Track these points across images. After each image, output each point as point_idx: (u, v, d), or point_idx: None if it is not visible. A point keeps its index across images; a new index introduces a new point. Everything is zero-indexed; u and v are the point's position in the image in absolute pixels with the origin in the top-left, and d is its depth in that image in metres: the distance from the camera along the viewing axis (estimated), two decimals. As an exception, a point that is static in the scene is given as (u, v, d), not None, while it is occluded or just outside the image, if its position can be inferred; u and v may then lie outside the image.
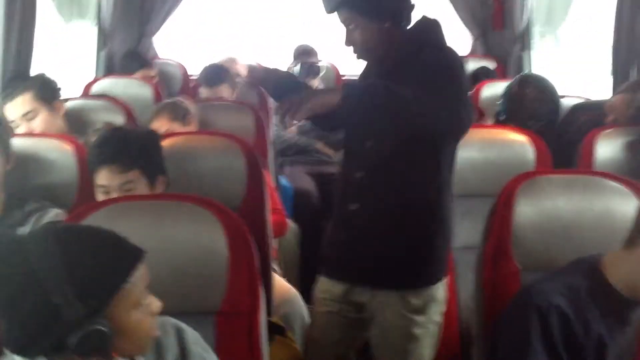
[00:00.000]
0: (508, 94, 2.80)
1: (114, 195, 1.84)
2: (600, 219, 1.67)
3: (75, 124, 2.76)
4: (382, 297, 1.94)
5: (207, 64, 3.79)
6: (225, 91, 3.59)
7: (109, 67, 4.30)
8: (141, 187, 1.88)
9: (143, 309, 1.18)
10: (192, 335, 1.34)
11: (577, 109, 2.89)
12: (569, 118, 2.80)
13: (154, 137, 2.05)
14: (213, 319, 1.47)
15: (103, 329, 1.10)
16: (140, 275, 1.17)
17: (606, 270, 1.46)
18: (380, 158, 1.90)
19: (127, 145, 1.90)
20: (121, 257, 1.16)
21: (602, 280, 1.45)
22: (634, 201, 1.68)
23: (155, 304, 1.21)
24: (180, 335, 1.33)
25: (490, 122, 3.08)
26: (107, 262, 1.14)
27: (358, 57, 1.94)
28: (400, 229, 1.90)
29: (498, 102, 2.90)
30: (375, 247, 1.91)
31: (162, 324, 1.32)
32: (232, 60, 4.33)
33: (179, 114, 2.67)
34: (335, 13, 1.89)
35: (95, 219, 1.50)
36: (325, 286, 2.04)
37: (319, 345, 2.09)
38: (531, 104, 2.72)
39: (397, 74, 1.79)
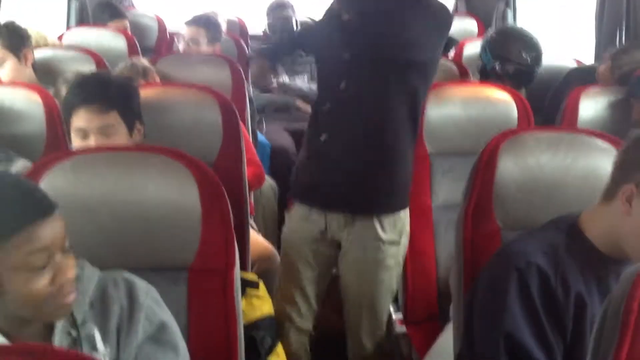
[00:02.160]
0: (489, 41, 2.89)
1: (92, 140, 1.78)
2: (585, 177, 1.63)
3: (45, 74, 2.67)
4: (358, 227, 2.06)
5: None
6: (201, 37, 3.50)
7: (82, 18, 4.17)
8: (120, 132, 1.84)
9: (41, 271, 1.13)
10: (143, 288, 1.29)
11: (572, 73, 2.89)
12: (565, 82, 2.79)
13: (133, 84, 2.00)
14: (185, 274, 1.43)
15: None
16: (31, 236, 1.11)
17: (584, 227, 1.43)
18: (350, 91, 2.00)
19: (107, 86, 1.86)
20: (9, 212, 1.12)
21: (581, 236, 1.43)
22: (617, 159, 1.65)
23: (68, 270, 1.15)
24: (129, 288, 1.28)
25: (474, 79, 3.05)
26: None
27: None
28: (368, 156, 2.02)
29: (479, 55, 2.92)
30: (346, 174, 2.03)
31: (114, 277, 1.29)
32: (214, 14, 4.22)
33: (138, 70, 2.57)
34: None
35: (61, 170, 1.43)
36: (301, 223, 2.11)
37: (291, 279, 2.16)
38: (515, 45, 2.80)
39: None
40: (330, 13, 2.08)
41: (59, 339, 1.21)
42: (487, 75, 2.87)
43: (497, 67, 2.83)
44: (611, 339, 0.96)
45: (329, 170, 2.05)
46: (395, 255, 2.10)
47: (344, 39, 1.97)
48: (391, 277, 2.12)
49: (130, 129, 1.87)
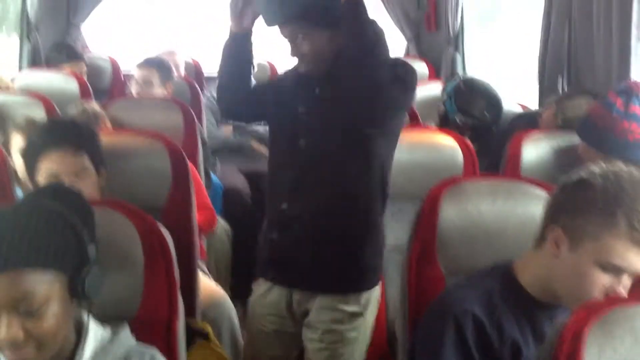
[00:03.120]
0: (455, 91, 2.99)
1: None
2: (523, 225, 1.68)
3: (-7, 119, 2.64)
4: (322, 302, 1.95)
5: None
6: (154, 78, 3.51)
7: (34, 59, 4.15)
8: (91, 175, 1.85)
9: None
10: None
11: (517, 118, 2.99)
12: (510, 127, 2.88)
13: (95, 128, 2.03)
14: (130, 326, 1.41)
15: None
16: None
17: (518, 273, 1.47)
18: (312, 157, 1.90)
19: (77, 129, 1.88)
20: None
21: (514, 282, 1.46)
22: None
23: (2, 329, 1.15)
24: None
25: (427, 122, 3.13)
26: None
27: (306, 68, 1.88)
28: (333, 231, 1.92)
29: (443, 101, 3.01)
30: (310, 249, 1.92)
31: (142, 352, 1.31)
32: (172, 53, 4.25)
33: (88, 114, 2.57)
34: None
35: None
36: (265, 298, 2.02)
37: (256, 351, 2.08)
38: (479, 102, 2.94)
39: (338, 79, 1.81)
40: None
41: None
42: (447, 123, 2.97)
43: (458, 119, 2.93)
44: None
45: (291, 245, 1.95)
46: (359, 327, 1.99)
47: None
48: (354, 350, 2.01)
49: (98, 172, 1.90)
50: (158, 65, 3.56)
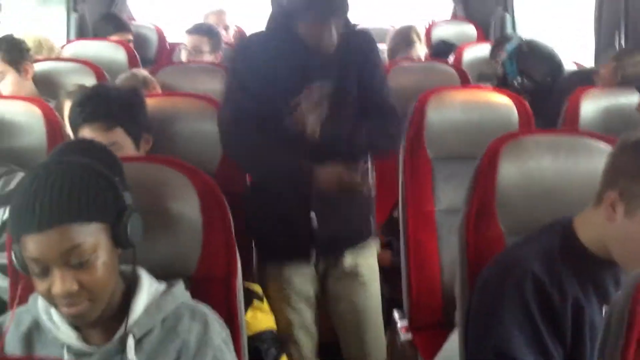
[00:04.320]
0: (517, 53, 2.91)
1: None
2: (586, 180, 1.62)
3: (46, 86, 2.68)
4: (332, 262, 2.10)
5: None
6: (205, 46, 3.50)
7: (81, 30, 4.18)
8: (126, 147, 1.86)
9: (40, 277, 1.19)
10: (218, 330, 1.32)
11: (572, 76, 2.90)
12: (566, 85, 2.81)
13: (138, 95, 2.01)
14: (187, 283, 1.42)
15: None
16: (25, 245, 1.17)
17: (578, 230, 1.43)
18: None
19: (109, 103, 1.87)
20: (16, 216, 1.19)
21: (574, 240, 1.42)
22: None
23: (56, 284, 1.17)
24: (205, 325, 1.30)
25: (486, 84, 3.06)
26: None
27: (330, 49, 1.97)
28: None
29: (501, 61, 2.95)
30: (325, 215, 2.02)
31: (192, 309, 1.32)
32: (221, 12, 4.24)
33: (138, 80, 2.58)
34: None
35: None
36: (293, 279, 2.09)
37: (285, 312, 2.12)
38: (543, 65, 2.86)
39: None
40: None
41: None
42: (505, 85, 2.89)
43: (518, 81, 2.85)
44: (616, 344, 0.95)
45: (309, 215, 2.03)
46: (368, 271, 2.16)
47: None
48: (375, 290, 2.18)
49: (137, 142, 1.90)
50: (208, 33, 3.55)
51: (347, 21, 2.04)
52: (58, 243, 1.15)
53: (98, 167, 1.24)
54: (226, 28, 4.15)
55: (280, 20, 2.01)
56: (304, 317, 2.11)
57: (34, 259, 1.16)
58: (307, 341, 2.13)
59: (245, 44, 2.16)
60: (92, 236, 1.18)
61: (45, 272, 1.17)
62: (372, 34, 2.15)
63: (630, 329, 0.93)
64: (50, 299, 1.20)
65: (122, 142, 1.85)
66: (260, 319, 1.91)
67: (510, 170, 1.63)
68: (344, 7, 1.99)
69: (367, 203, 2.14)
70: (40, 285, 1.19)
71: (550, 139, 1.72)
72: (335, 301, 2.16)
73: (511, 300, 1.37)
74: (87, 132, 1.84)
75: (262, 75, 1.97)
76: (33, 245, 1.15)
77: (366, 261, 2.15)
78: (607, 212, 1.35)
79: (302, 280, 2.09)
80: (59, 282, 1.16)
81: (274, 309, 2.03)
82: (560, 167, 1.64)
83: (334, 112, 1.95)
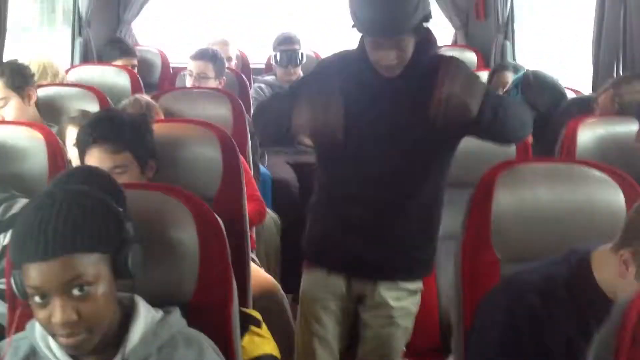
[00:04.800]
0: (523, 82, 2.96)
1: None
2: (582, 209, 1.64)
3: (49, 112, 2.71)
4: (381, 288, 1.99)
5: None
6: (209, 72, 3.52)
7: (86, 55, 4.23)
8: (133, 172, 1.88)
9: (40, 305, 1.20)
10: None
11: (571, 104, 2.93)
12: (564, 112, 2.83)
13: (146, 121, 2.03)
14: (184, 309, 1.43)
15: None
16: (26, 273, 1.18)
17: (595, 265, 1.41)
18: (379, 161, 1.89)
19: (120, 127, 1.89)
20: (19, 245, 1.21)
21: (587, 275, 1.40)
22: (616, 190, 1.65)
23: (56, 313, 1.18)
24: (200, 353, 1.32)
25: None
26: None
27: (393, 73, 1.85)
28: (406, 224, 1.95)
29: (505, 90, 3.05)
30: (380, 241, 1.94)
31: (188, 337, 1.33)
32: (225, 43, 4.28)
33: (141, 105, 2.61)
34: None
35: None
36: (325, 281, 2.02)
37: (312, 333, 2.07)
38: (548, 97, 2.89)
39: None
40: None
41: None
42: None
43: None
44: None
45: (356, 232, 1.95)
46: (409, 313, 2.05)
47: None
48: (403, 335, 2.07)
49: (143, 167, 1.92)
50: (213, 59, 3.56)
51: (427, 44, 1.88)
52: (60, 272, 1.16)
53: (102, 197, 1.26)
54: (229, 59, 4.17)
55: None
56: (326, 328, 2.05)
57: (35, 287, 1.17)
58: (324, 355, 2.06)
59: (325, 58, 2.10)
60: (94, 267, 1.20)
61: (46, 300, 1.18)
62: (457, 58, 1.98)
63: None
64: (49, 327, 1.21)
65: (129, 166, 1.87)
66: (257, 343, 1.91)
67: (506, 198, 1.65)
68: (408, 22, 1.77)
69: (414, 240, 2.00)
70: (40, 313, 1.20)
71: (545, 168, 1.74)
72: (362, 326, 2.08)
73: (501, 325, 1.38)
74: (95, 153, 1.85)
75: (322, 87, 1.85)
76: (35, 273, 1.17)
77: (402, 303, 2.03)
78: (620, 268, 1.34)
79: (331, 290, 2.02)
80: (59, 312, 1.17)
81: (301, 322, 2.06)
82: (556, 195, 1.66)
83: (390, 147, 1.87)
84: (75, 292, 1.18)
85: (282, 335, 2.38)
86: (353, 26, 1.84)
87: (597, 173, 1.69)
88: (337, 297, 2.03)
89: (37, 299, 1.19)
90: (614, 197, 1.65)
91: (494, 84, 3.50)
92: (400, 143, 1.87)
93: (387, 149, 1.88)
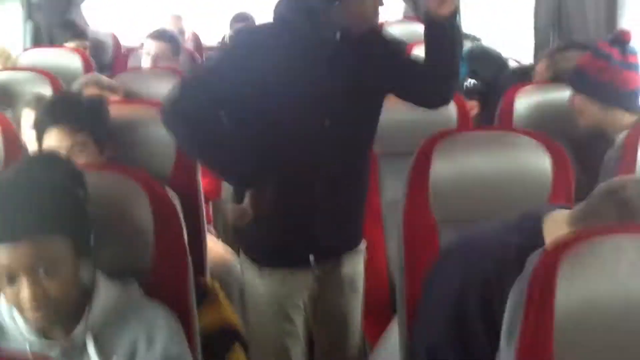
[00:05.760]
0: (468, 56, 2.99)
1: None
2: (513, 173, 1.76)
3: (1, 96, 2.72)
4: (345, 259, 2.06)
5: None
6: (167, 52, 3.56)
7: (37, 38, 4.22)
8: (90, 151, 1.93)
9: (9, 284, 1.27)
10: (163, 325, 1.41)
11: (511, 73, 3.04)
12: (505, 82, 2.94)
13: (103, 102, 2.09)
14: (143, 282, 1.51)
15: None
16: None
17: (545, 232, 1.42)
18: (336, 134, 1.90)
19: (77, 106, 1.96)
20: None
21: (538, 240, 1.40)
22: (545, 156, 1.77)
23: (23, 290, 1.26)
24: (150, 321, 1.40)
25: None
26: None
27: (354, 30, 1.87)
28: (346, 193, 1.98)
29: None
30: (328, 217, 1.95)
31: (137, 303, 1.43)
32: (178, 18, 4.31)
33: (103, 85, 2.65)
34: None
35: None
36: (286, 279, 2.01)
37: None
38: (491, 67, 2.97)
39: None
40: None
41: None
42: None
43: (468, 83, 2.98)
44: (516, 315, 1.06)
45: (312, 219, 1.94)
46: (359, 288, 2.12)
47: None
48: (361, 294, 2.14)
49: (101, 147, 1.97)
50: (170, 39, 3.60)
51: None
52: (27, 253, 1.24)
53: (64, 181, 1.35)
54: (182, 32, 4.22)
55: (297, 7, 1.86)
56: (296, 325, 2.07)
57: (3, 266, 1.25)
58: (297, 350, 2.09)
59: (251, 30, 2.09)
60: (58, 247, 1.28)
61: (14, 279, 1.26)
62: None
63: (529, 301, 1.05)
64: (17, 304, 1.29)
65: (87, 145, 1.93)
66: (213, 315, 1.98)
67: (443, 165, 1.76)
68: None
69: (360, 206, 2.08)
70: (8, 292, 1.28)
71: (480, 135, 1.86)
72: (323, 306, 2.10)
73: (456, 289, 1.42)
74: (55, 134, 1.91)
75: (262, 62, 1.82)
76: (3, 254, 1.24)
77: (359, 267, 2.12)
78: None
79: (298, 286, 2.03)
80: (27, 290, 1.26)
81: (260, 315, 2.04)
82: (489, 161, 1.77)
83: (347, 108, 1.90)
84: (41, 271, 1.26)
85: (240, 304, 2.48)
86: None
87: (527, 140, 1.80)
88: (303, 289, 2.04)
89: (5, 278, 1.26)
90: (542, 162, 1.76)
91: None
92: (335, 108, 1.89)
93: (341, 119, 1.90)
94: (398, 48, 2.09)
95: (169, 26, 4.32)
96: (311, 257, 1.99)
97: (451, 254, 1.55)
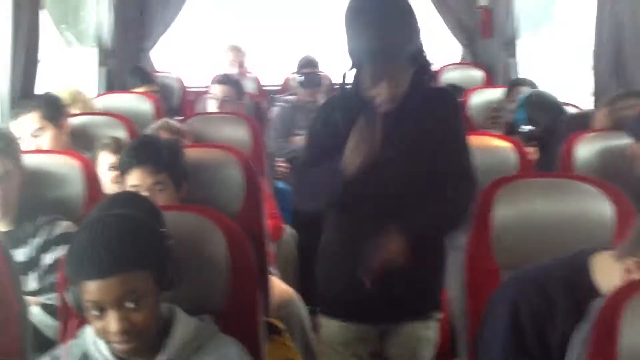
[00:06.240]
0: (526, 102, 3.09)
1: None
2: (574, 220, 1.79)
3: (79, 139, 2.86)
4: (403, 328, 2.03)
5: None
6: (232, 95, 3.73)
7: (110, 84, 4.44)
8: (169, 191, 2.09)
9: (97, 316, 1.37)
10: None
11: (571, 120, 3.06)
12: (565, 128, 2.96)
13: (179, 145, 2.28)
14: (216, 318, 1.59)
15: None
16: (84, 289, 1.35)
17: (593, 268, 1.50)
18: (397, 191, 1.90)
19: (158, 149, 2.12)
20: (79, 263, 1.39)
21: (585, 275, 1.48)
22: (606, 202, 1.80)
23: (111, 324, 1.35)
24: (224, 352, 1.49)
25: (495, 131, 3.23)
26: None
27: (388, 104, 1.85)
28: (423, 261, 1.90)
29: (510, 110, 3.19)
30: (402, 283, 1.90)
31: (211, 335, 1.50)
32: (237, 49, 4.51)
33: (173, 130, 2.81)
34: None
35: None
36: (347, 329, 2.01)
37: None
38: (549, 114, 3.02)
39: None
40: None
41: None
42: (513, 132, 3.06)
43: (527, 129, 3.03)
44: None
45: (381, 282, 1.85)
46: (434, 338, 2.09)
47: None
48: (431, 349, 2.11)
49: (178, 187, 2.12)
50: (233, 83, 3.78)
51: (423, 76, 1.91)
52: (116, 288, 1.35)
53: (145, 219, 1.45)
54: (242, 64, 4.52)
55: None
56: None
57: (94, 301, 1.36)
58: None
59: (327, 100, 2.16)
60: (143, 282, 1.38)
61: (102, 312, 1.36)
62: (453, 94, 2.08)
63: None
64: (105, 336, 1.39)
65: (166, 184, 2.08)
66: (282, 350, 2.06)
67: (505, 211, 1.81)
68: (401, 52, 1.81)
69: (439, 271, 2.04)
70: (97, 323, 1.38)
71: (541, 182, 1.90)
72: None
73: (507, 324, 1.49)
74: (137, 174, 2.07)
75: (326, 127, 1.92)
76: (94, 289, 1.35)
77: (426, 332, 2.07)
78: (623, 275, 1.40)
79: (360, 340, 2.03)
80: (115, 322, 1.36)
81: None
82: (550, 207, 1.81)
83: (387, 178, 1.88)
84: (128, 304, 1.36)
85: (302, 342, 2.54)
86: (351, 68, 1.90)
87: (589, 187, 1.84)
88: (363, 341, 2.03)
89: (94, 311, 1.37)
90: (604, 208, 1.79)
91: (510, 98, 3.65)
92: (395, 176, 1.88)
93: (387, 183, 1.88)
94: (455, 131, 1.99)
95: (229, 58, 4.60)
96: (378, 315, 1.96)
97: (503, 287, 1.60)
